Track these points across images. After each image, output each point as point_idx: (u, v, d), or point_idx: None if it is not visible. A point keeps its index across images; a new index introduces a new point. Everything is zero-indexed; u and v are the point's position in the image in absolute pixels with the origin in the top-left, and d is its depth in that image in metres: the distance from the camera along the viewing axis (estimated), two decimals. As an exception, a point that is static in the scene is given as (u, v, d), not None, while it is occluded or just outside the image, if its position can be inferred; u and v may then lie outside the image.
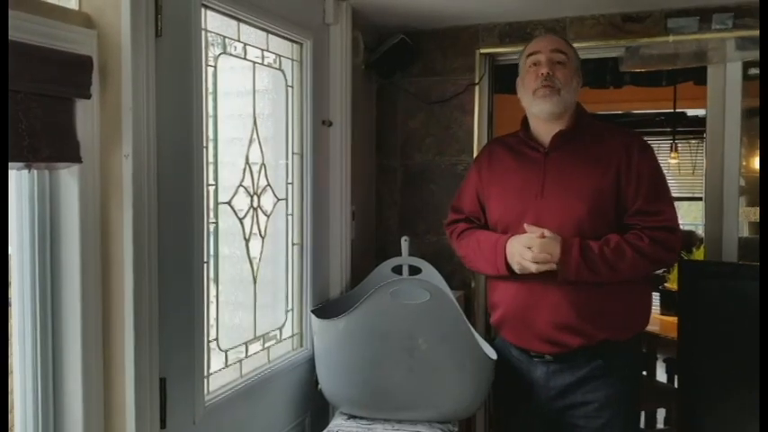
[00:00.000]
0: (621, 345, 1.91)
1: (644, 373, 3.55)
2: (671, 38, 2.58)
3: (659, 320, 3.65)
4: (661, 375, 3.92)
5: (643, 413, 3.44)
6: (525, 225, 1.86)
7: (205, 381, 1.77)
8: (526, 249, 1.84)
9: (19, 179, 1.43)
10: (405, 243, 2.44)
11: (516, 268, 1.89)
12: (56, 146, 1.35)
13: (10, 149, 1.25)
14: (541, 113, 1.95)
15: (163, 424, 1.59)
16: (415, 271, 2.45)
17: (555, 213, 1.88)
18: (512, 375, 2.02)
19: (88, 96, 1.43)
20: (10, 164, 1.31)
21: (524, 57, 1.99)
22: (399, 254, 2.45)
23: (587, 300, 1.86)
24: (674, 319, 2.71)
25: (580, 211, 1.87)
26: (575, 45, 2.07)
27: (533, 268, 1.84)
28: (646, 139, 2.04)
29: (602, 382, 1.90)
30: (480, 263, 2.04)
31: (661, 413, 3.67)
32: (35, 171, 1.41)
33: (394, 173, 3.04)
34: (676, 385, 2.94)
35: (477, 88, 2.87)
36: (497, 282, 2.02)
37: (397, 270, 2.45)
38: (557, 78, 1.91)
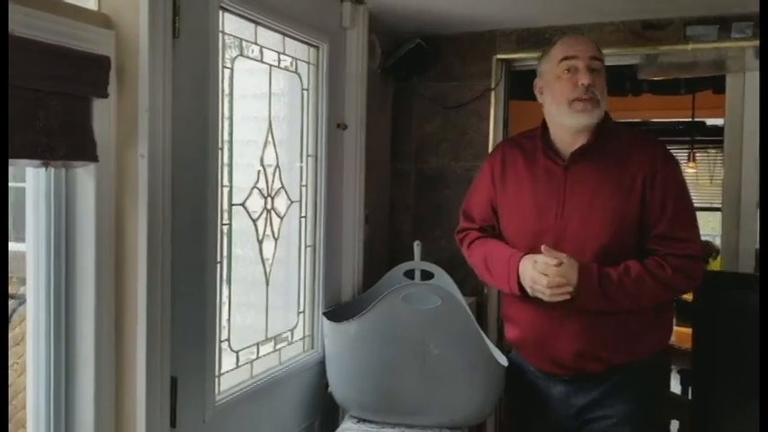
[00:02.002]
0: (643, 362, 1.83)
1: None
2: (690, 46, 2.56)
3: (674, 331, 3.60)
4: (675, 387, 3.87)
5: (656, 424, 3.40)
6: (543, 248, 1.71)
7: (216, 380, 1.78)
8: (541, 275, 1.72)
9: (36, 177, 1.45)
10: (417, 248, 2.44)
11: (529, 291, 1.78)
12: (73, 144, 1.37)
13: (27, 147, 1.27)
14: (577, 126, 1.79)
15: (173, 423, 1.60)
16: (427, 276, 2.44)
17: (576, 236, 1.76)
18: (529, 389, 1.95)
19: (105, 96, 1.44)
20: (27, 161, 1.32)
21: (556, 60, 1.80)
22: (412, 258, 2.45)
23: (608, 326, 1.77)
24: (688, 330, 2.68)
25: (603, 236, 1.75)
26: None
27: (547, 295, 1.72)
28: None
29: (621, 398, 1.82)
30: (491, 277, 1.94)
31: (675, 425, 3.63)
32: (52, 169, 1.43)
33: (408, 177, 3.04)
34: (690, 397, 2.90)
35: (493, 94, 2.87)
36: (514, 297, 1.88)
37: (409, 275, 2.45)
38: (596, 89, 1.75)
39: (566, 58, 1.78)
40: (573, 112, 1.77)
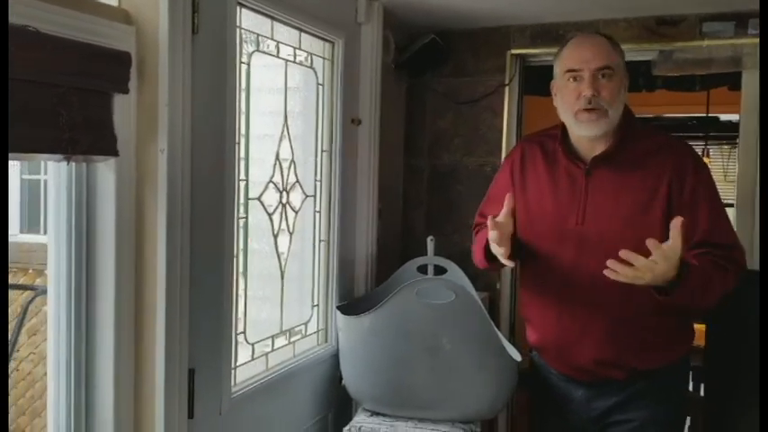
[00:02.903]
0: (666, 368, 1.80)
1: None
2: (705, 42, 2.54)
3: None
4: (686, 383, 3.86)
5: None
6: (622, 252, 1.51)
7: (232, 372, 1.80)
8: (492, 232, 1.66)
9: (57, 171, 1.47)
10: (430, 243, 2.45)
11: (493, 248, 1.70)
12: (94, 139, 1.39)
13: (50, 142, 1.29)
14: (586, 137, 1.73)
15: (191, 414, 1.62)
16: (440, 271, 2.45)
17: (598, 244, 1.68)
18: (551, 391, 1.93)
19: (126, 91, 1.46)
20: (50, 156, 1.35)
21: (562, 68, 1.73)
22: (424, 253, 2.46)
23: (631, 334, 1.73)
24: (701, 327, 2.68)
25: (624, 243, 1.60)
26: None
27: (501, 253, 1.67)
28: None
29: (645, 402, 1.79)
30: (478, 256, 1.89)
31: (686, 421, 3.63)
32: (73, 163, 1.45)
33: (421, 173, 3.05)
34: (702, 394, 2.90)
35: (507, 89, 2.87)
36: (533, 296, 1.85)
37: (423, 270, 2.46)
38: (602, 99, 1.66)
39: (570, 71, 1.71)
40: (578, 123, 1.71)
